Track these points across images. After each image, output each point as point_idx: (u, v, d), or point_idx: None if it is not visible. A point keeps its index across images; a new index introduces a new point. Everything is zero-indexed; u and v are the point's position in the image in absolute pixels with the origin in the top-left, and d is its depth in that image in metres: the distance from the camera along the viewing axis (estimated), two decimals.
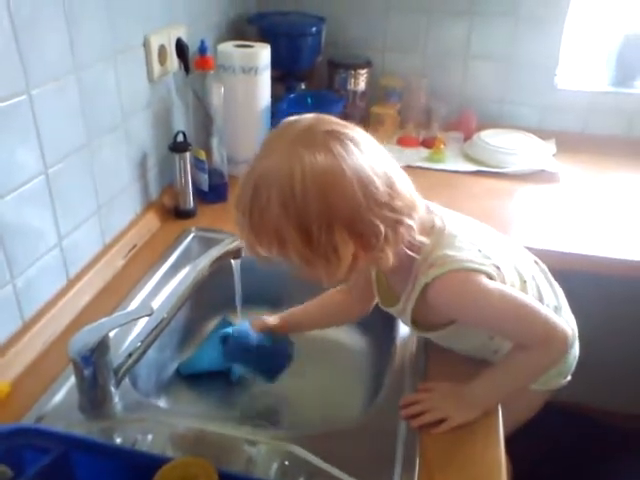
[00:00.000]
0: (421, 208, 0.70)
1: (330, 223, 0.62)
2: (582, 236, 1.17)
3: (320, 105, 1.47)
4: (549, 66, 1.58)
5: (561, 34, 1.54)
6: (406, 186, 0.68)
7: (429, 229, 0.73)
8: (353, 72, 1.57)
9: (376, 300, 0.88)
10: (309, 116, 0.67)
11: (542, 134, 1.54)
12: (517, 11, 1.53)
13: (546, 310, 0.73)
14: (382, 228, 0.64)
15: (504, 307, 0.72)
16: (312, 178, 0.61)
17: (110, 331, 0.70)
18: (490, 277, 0.72)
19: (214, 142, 1.23)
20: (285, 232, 0.63)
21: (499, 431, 0.74)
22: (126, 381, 0.77)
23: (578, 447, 1.59)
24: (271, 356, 0.89)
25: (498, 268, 0.73)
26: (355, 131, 0.67)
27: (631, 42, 1.56)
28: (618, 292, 1.39)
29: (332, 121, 0.67)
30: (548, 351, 0.73)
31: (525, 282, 0.81)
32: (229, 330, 0.95)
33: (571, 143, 1.55)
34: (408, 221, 0.67)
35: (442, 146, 1.48)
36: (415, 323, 0.79)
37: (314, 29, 1.51)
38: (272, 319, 0.92)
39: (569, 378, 0.94)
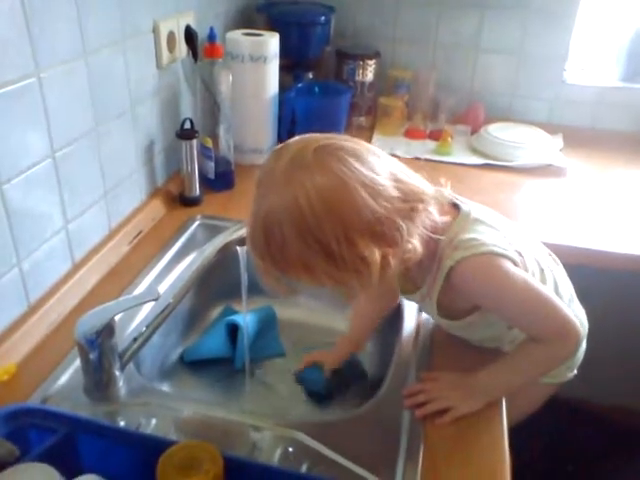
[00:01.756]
0: (431, 190, 0.69)
1: (348, 236, 0.61)
2: (589, 230, 1.16)
3: (328, 95, 1.47)
4: (559, 60, 1.57)
5: (572, 28, 1.53)
6: (409, 174, 0.68)
7: (452, 211, 0.73)
8: (361, 63, 1.56)
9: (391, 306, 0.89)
10: (291, 141, 0.67)
11: (550, 128, 1.53)
12: (528, 4, 1.52)
13: (563, 305, 0.72)
14: (400, 221, 0.64)
15: (526, 296, 0.71)
16: (318, 199, 0.60)
17: (116, 315, 0.70)
18: (514, 263, 0.71)
19: (221, 130, 1.22)
20: (310, 260, 0.63)
21: (503, 422, 0.74)
22: (131, 365, 0.77)
23: (579, 442, 1.59)
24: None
25: (521, 255, 0.74)
26: (341, 140, 0.66)
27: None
28: (625, 286, 1.38)
29: (317, 138, 0.66)
30: (560, 346, 0.73)
31: (543, 271, 0.81)
32: (235, 318, 0.96)
33: (579, 138, 1.54)
34: (422, 205, 0.67)
35: (449, 139, 1.48)
36: (439, 311, 0.79)
37: (323, 18, 1.50)
38: (330, 359, 0.92)
39: (575, 372, 0.94)
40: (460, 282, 0.72)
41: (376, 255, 0.63)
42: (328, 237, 0.61)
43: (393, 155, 0.72)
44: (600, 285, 1.20)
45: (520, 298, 0.72)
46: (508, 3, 1.53)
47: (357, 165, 0.63)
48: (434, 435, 0.72)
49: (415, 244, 0.66)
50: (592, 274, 1.08)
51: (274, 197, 0.62)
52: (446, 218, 0.71)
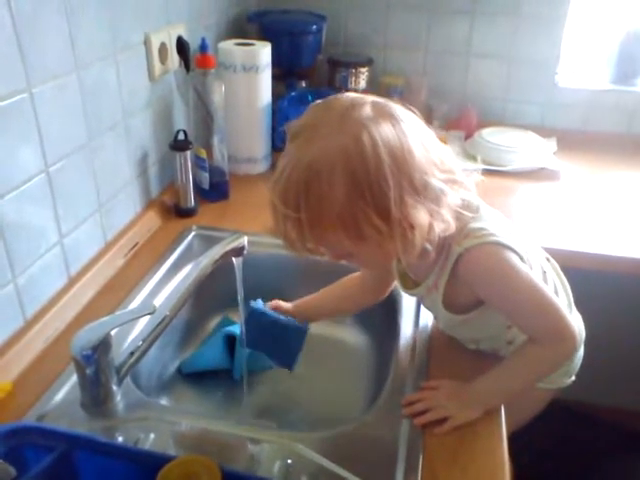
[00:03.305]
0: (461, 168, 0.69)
1: (402, 194, 0.59)
2: (584, 234, 1.16)
3: None
4: (550, 64, 1.58)
5: (562, 32, 1.53)
6: (444, 146, 0.68)
7: (466, 203, 0.71)
8: (354, 70, 1.56)
9: (392, 286, 0.88)
10: (336, 96, 0.64)
11: (543, 132, 1.54)
12: (518, 9, 1.53)
13: (564, 308, 0.72)
14: (446, 189, 0.63)
15: (529, 291, 0.71)
16: (385, 149, 0.58)
17: (112, 329, 0.70)
18: (521, 259, 0.71)
19: (215, 140, 1.22)
20: (357, 213, 0.59)
21: (502, 430, 0.74)
22: (128, 379, 0.77)
23: (579, 444, 1.59)
24: (288, 334, 0.89)
25: (524, 257, 0.73)
26: (387, 100, 0.65)
27: (632, 39, 1.56)
28: (620, 289, 1.38)
29: (363, 96, 0.64)
30: (557, 349, 0.73)
31: (545, 273, 0.81)
32: (232, 329, 0.95)
33: (572, 141, 1.54)
34: (460, 179, 0.66)
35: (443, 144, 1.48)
36: (444, 304, 0.77)
37: (315, 27, 1.51)
38: (286, 305, 0.92)
39: (573, 377, 0.94)
40: (467, 270, 0.71)
41: (424, 220, 0.61)
42: (387, 190, 0.58)
43: None
44: (595, 288, 1.20)
45: (523, 292, 0.71)
46: (498, 8, 1.54)
47: (413, 124, 0.62)
48: (433, 444, 0.71)
49: (449, 219, 0.65)
50: (587, 277, 1.09)
51: (327, 142, 0.58)
52: (467, 197, 0.70)
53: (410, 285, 0.82)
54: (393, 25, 1.62)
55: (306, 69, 1.56)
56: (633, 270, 1.11)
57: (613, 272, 1.13)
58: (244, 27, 1.55)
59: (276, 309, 0.91)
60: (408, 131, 0.61)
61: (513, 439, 0.77)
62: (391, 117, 0.61)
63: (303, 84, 1.54)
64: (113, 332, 0.72)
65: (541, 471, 1.49)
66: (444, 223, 0.64)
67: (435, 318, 0.87)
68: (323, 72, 1.62)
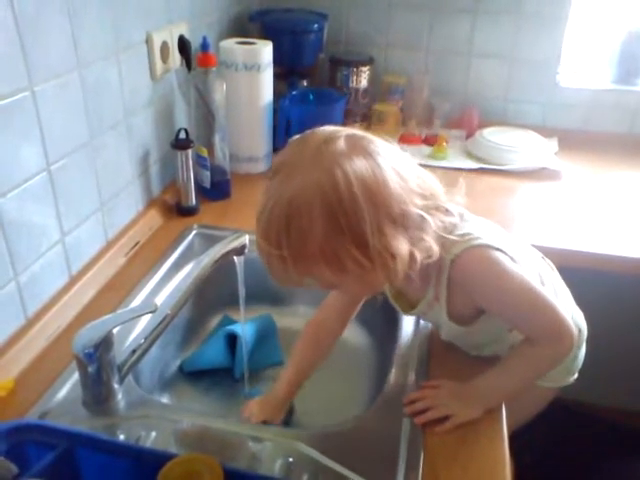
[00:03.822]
0: (442, 190, 0.70)
1: (380, 226, 0.60)
2: (585, 233, 1.16)
3: (322, 102, 1.47)
4: (551, 64, 1.57)
5: (563, 32, 1.53)
6: (424, 172, 0.68)
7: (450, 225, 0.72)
8: (355, 69, 1.56)
9: (351, 317, 0.88)
10: (313, 131, 0.65)
11: (545, 132, 1.54)
12: (520, 9, 1.52)
13: (560, 306, 0.72)
14: (425, 216, 0.64)
15: (524, 292, 0.71)
16: (358, 183, 0.59)
17: (114, 328, 0.70)
18: (512, 260, 0.71)
19: (216, 139, 1.22)
20: (337, 248, 0.60)
21: (503, 429, 0.74)
22: (129, 378, 0.77)
23: (580, 444, 1.59)
24: None
25: (518, 254, 0.74)
26: (361, 132, 0.66)
27: (633, 39, 1.56)
28: (621, 289, 1.39)
29: (338, 129, 0.65)
30: (556, 348, 0.73)
31: (541, 273, 0.81)
32: (233, 328, 0.95)
33: (574, 141, 1.54)
34: (442, 204, 0.67)
35: (444, 144, 1.48)
36: (450, 317, 0.77)
37: (316, 26, 1.51)
38: (275, 415, 0.83)
39: (576, 376, 0.94)
40: (461, 277, 0.71)
41: (405, 249, 0.62)
42: (364, 223, 0.59)
43: None
44: (595, 288, 1.20)
45: (517, 292, 0.71)
46: (500, 8, 1.53)
47: (389, 155, 0.63)
48: (434, 442, 0.72)
49: (432, 244, 0.65)
50: (587, 277, 1.09)
51: (304, 179, 0.60)
52: (448, 219, 0.70)
53: (407, 307, 0.82)
54: (395, 24, 1.62)
55: (307, 68, 1.56)
56: (633, 270, 1.11)
57: (613, 272, 1.13)
58: (246, 26, 1.55)
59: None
60: (383, 163, 0.62)
61: (514, 438, 0.77)
62: (364, 150, 0.62)
63: (304, 83, 1.54)
64: (115, 330, 0.72)
65: (542, 470, 1.49)
66: (426, 250, 0.65)
67: (437, 329, 0.87)
68: (325, 71, 1.62)
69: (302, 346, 0.87)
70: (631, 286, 1.33)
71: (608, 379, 1.51)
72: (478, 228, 0.73)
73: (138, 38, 1.06)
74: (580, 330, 0.73)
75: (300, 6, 1.59)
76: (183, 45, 1.19)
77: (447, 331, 0.82)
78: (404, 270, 0.64)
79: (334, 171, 0.59)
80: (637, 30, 1.55)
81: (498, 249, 0.70)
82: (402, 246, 0.62)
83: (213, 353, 0.96)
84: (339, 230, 0.59)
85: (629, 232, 1.17)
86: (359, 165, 0.60)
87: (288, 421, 0.85)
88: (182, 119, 1.26)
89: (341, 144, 0.62)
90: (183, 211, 1.20)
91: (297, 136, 0.66)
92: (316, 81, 1.61)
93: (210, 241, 1.06)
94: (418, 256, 0.64)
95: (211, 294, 1.03)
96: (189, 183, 1.18)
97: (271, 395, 0.85)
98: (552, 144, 1.53)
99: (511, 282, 0.71)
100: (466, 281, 0.72)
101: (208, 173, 1.23)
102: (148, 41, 1.09)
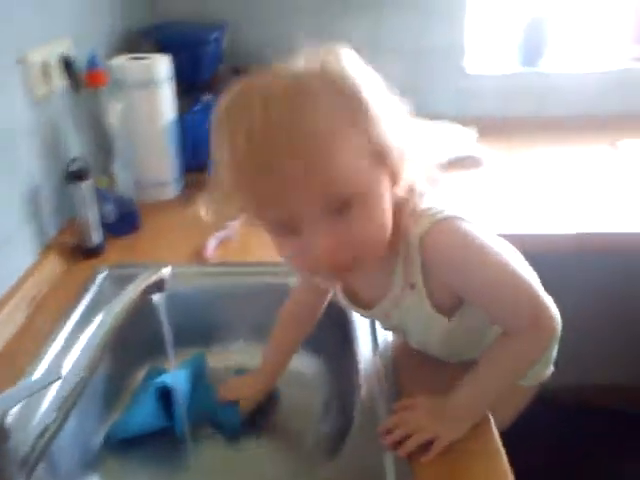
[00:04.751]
0: None
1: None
2: (516, 216, 1.15)
3: None
4: (458, 54, 1.57)
5: (463, 20, 1.53)
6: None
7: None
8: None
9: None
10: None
11: (461, 121, 1.51)
12: (418, 2, 1.51)
13: (537, 285, 0.63)
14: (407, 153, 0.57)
15: (501, 267, 0.61)
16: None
17: (9, 410, 0.55)
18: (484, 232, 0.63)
19: (117, 166, 1.09)
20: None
21: (496, 439, 0.65)
22: (40, 468, 0.61)
23: (576, 437, 1.55)
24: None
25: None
26: None
27: (537, 24, 1.57)
28: (560, 267, 1.37)
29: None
30: (536, 336, 0.63)
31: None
32: (164, 379, 0.81)
33: (490, 127, 1.52)
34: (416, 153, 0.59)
35: None
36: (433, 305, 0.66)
37: (213, 36, 1.41)
38: (253, 393, 0.84)
39: (552, 368, 0.86)
40: (434, 254, 0.61)
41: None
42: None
43: None
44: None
45: (494, 268, 0.61)
46: (401, 2, 1.51)
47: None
48: (424, 472, 0.61)
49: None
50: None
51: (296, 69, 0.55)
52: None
53: (372, 300, 0.69)
54: (295, 28, 1.54)
55: (209, 80, 1.45)
56: (566, 245, 1.10)
57: (549, 251, 1.10)
58: (138, 42, 1.41)
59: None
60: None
61: (511, 443, 0.69)
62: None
63: (208, 96, 1.43)
64: (14, 410, 0.56)
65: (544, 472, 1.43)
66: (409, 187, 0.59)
67: (406, 334, 0.75)
68: (228, 82, 1.51)
69: (281, 326, 0.84)
70: (570, 262, 1.32)
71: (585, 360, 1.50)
72: (439, 201, 0.63)
73: (8, 60, 0.91)
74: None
75: (195, 18, 1.49)
76: (67, 64, 1.04)
77: (423, 331, 0.70)
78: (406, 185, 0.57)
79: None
80: (539, 17, 1.57)
81: (467, 220, 0.62)
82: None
83: (144, 414, 0.81)
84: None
85: (557, 210, 1.17)
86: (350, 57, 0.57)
87: (266, 408, 0.84)
88: (75, 147, 1.10)
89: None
90: (87, 252, 1.04)
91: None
92: (219, 93, 1.50)
93: (123, 282, 0.89)
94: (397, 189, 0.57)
95: (132, 344, 0.88)
96: (90, 219, 1.02)
97: (250, 375, 0.85)
98: (471, 132, 1.50)
99: (488, 254, 0.61)
100: (438, 259, 0.61)
101: (111, 206, 1.08)
102: (24, 62, 0.93)
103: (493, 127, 1.53)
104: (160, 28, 1.44)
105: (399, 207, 0.60)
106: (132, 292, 0.69)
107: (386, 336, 0.81)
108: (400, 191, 0.58)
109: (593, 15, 1.62)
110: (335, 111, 0.51)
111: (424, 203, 0.62)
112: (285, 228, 0.55)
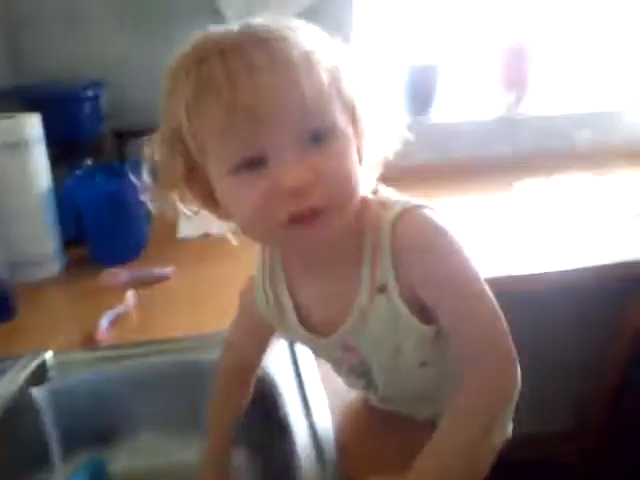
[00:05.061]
0: None
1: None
2: None
3: (114, 180, 1.23)
4: None
5: None
6: None
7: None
8: (148, 137, 1.37)
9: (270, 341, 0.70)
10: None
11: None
12: None
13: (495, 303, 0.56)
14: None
15: (468, 265, 0.55)
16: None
17: None
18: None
19: None
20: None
21: None
22: None
23: None
24: None
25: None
26: None
27: (418, 72, 1.61)
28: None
29: None
30: (496, 366, 0.54)
31: None
32: None
33: (393, 176, 1.52)
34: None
35: None
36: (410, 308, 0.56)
37: (89, 93, 1.32)
38: None
39: (512, 426, 0.76)
40: (406, 239, 0.55)
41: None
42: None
43: None
44: None
45: (459, 263, 0.55)
46: None
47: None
48: None
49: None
50: None
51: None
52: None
53: (325, 333, 0.60)
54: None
55: (88, 143, 1.34)
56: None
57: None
58: (2, 103, 1.28)
59: None
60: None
61: None
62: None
63: (89, 162, 1.30)
64: None
65: None
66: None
67: (371, 373, 0.64)
68: (111, 146, 1.40)
69: (224, 383, 0.72)
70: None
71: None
72: (393, 193, 0.60)
73: None
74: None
75: (69, 78, 1.37)
76: None
77: (394, 352, 0.60)
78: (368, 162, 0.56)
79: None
80: (421, 64, 1.61)
81: (434, 210, 0.57)
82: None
83: None
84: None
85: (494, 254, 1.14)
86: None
87: None
88: None
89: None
90: None
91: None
92: (102, 157, 1.38)
93: None
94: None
95: (6, 456, 0.71)
96: None
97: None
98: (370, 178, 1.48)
99: (461, 254, 0.55)
100: (413, 245, 0.55)
101: None
102: None
103: (396, 176, 1.53)
104: (26, 86, 1.33)
105: (365, 198, 0.56)
106: (6, 389, 0.55)
107: (322, 402, 0.71)
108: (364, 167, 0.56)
109: (469, 63, 1.69)
110: (307, 45, 0.50)
111: (387, 195, 0.59)
112: (252, 166, 0.50)
